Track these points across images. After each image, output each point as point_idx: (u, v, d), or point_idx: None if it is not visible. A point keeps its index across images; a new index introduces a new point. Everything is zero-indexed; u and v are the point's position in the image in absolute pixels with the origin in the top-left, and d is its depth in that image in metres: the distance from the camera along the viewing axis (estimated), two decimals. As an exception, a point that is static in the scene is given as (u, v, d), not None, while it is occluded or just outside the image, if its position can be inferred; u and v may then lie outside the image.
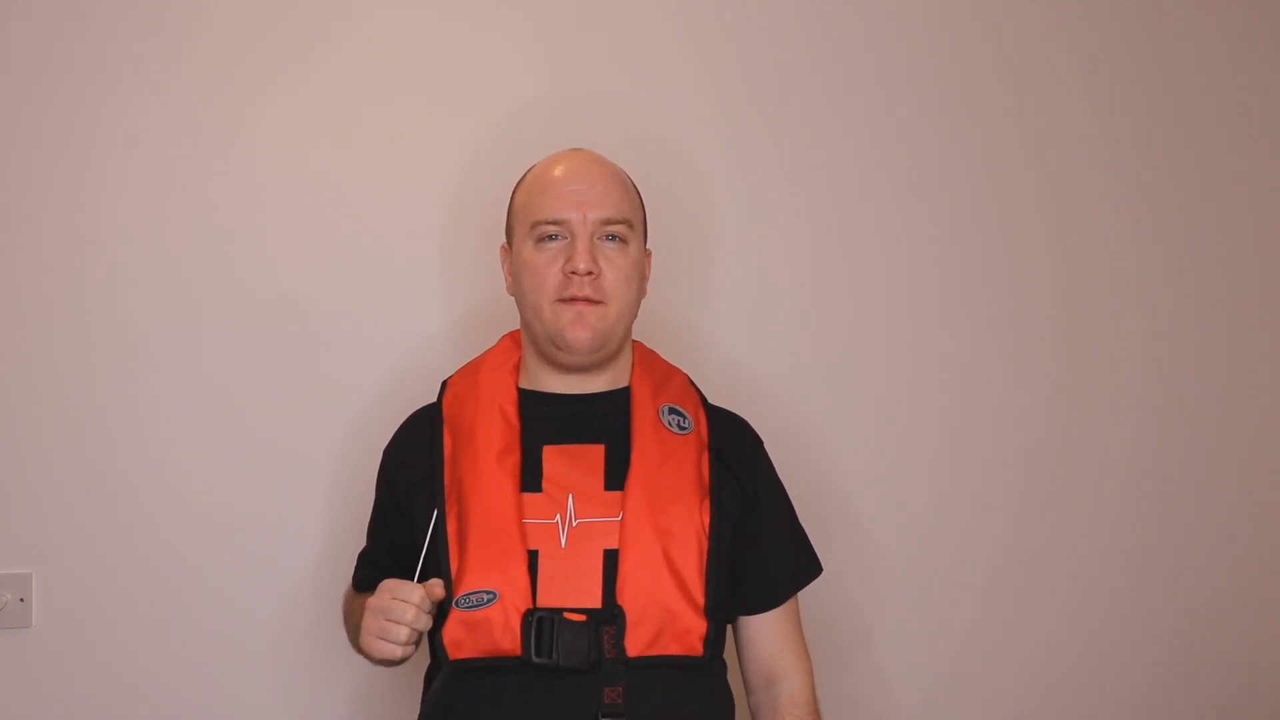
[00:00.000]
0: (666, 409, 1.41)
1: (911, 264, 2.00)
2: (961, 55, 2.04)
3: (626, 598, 1.28)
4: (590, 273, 1.34)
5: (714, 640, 1.32)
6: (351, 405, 1.75)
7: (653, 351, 1.50)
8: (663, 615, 1.28)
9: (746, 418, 1.50)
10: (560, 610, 1.27)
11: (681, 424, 1.40)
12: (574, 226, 1.36)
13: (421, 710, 1.39)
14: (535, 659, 1.26)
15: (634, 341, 1.47)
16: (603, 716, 1.26)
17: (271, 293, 1.75)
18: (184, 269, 1.73)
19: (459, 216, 1.81)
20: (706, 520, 1.33)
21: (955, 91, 2.03)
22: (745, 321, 1.92)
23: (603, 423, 1.38)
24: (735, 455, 1.41)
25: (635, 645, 1.28)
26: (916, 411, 1.99)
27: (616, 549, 1.29)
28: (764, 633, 1.42)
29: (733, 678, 1.44)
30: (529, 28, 1.86)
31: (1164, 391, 2.10)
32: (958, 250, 2.02)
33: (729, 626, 1.44)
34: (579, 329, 1.35)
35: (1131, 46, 2.12)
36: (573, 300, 1.35)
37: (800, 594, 1.45)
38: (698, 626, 1.29)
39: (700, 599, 1.29)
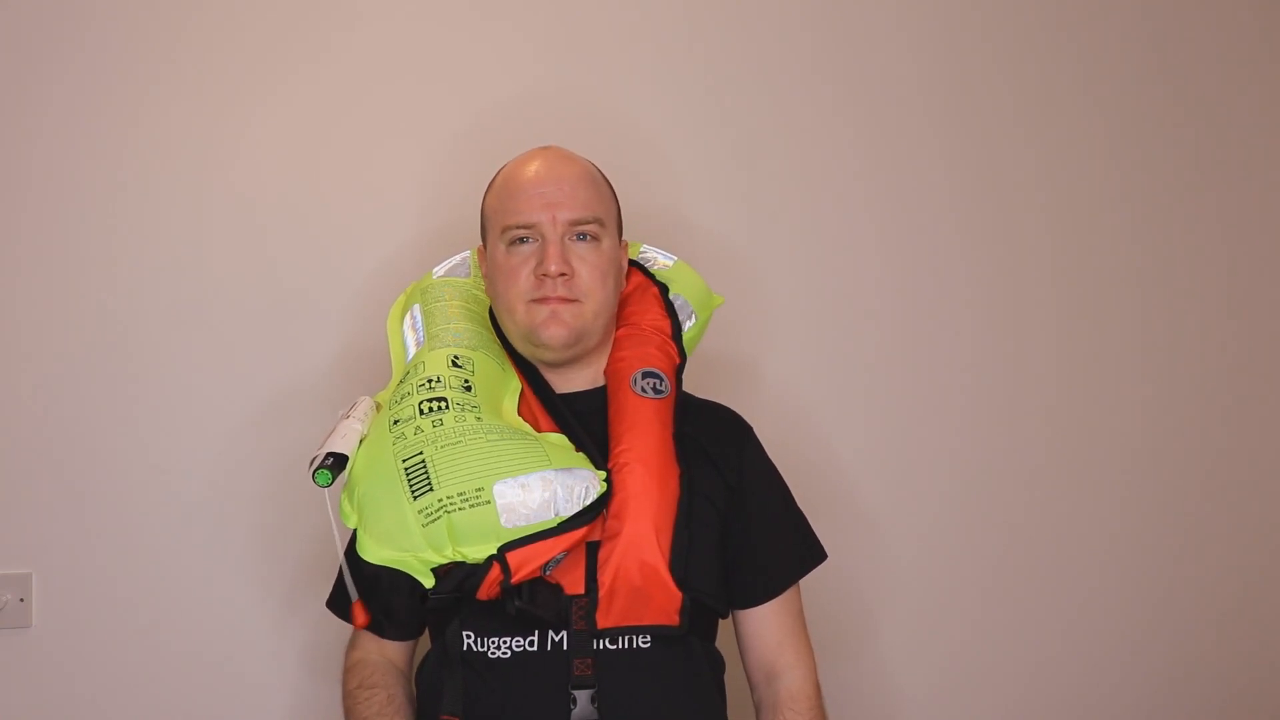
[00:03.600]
0: (641, 374, 1.40)
1: (916, 253, 2.00)
2: (964, 55, 2.05)
3: (603, 575, 1.28)
4: (563, 274, 1.35)
5: (691, 614, 1.31)
6: (347, 405, 1.74)
7: (637, 327, 1.49)
8: (635, 592, 1.28)
9: (751, 409, 1.50)
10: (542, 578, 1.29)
11: (658, 387, 1.40)
12: (544, 229, 1.37)
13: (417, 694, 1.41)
14: (515, 601, 1.26)
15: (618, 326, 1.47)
16: (573, 689, 1.27)
17: (270, 294, 1.76)
18: (180, 269, 1.73)
19: (448, 215, 1.81)
20: (677, 489, 1.33)
21: (958, 91, 2.04)
22: (749, 316, 1.92)
23: (579, 420, 1.38)
24: (717, 445, 1.41)
25: (607, 619, 1.28)
26: (922, 401, 1.99)
27: (598, 540, 1.30)
28: (762, 626, 1.41)
29: (736, 675, 1.44)
30: (527, 22, 1.88)
31: (1168, 376, 2.11)
32: (961, 237, 2.03)
33: (727, 624, 1.44)
34: (553, 326, 1.36)
35: (1136, 50, 2.13)
36: (546, 300, 1.36)
37: (803, 585, 1.44)
38: (673, 599, 1.29)
39: (675, 571, 1.29)
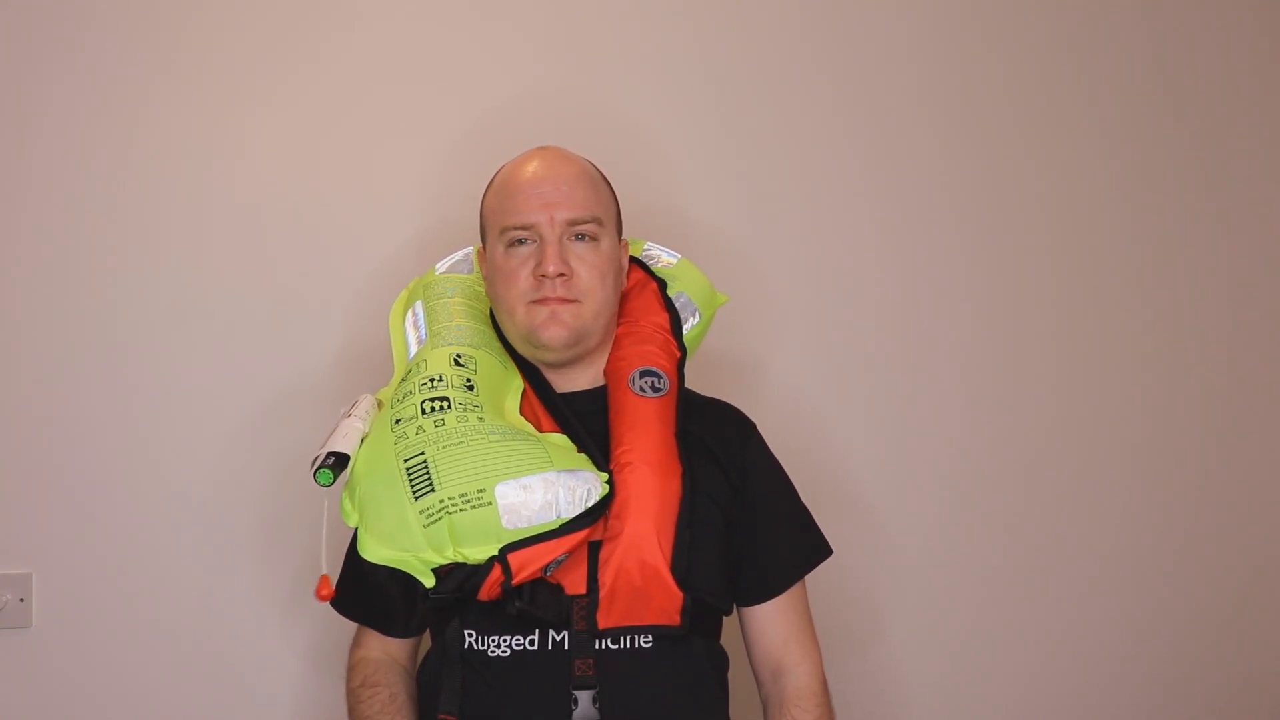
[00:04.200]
0: (639, 374, 1.40)
1: (917, 251, 2.01)
2: (965, 55, 2.05)
3: (603, 575, 1.28)
4: (562, 275, 1.35)
5: (693, 613, 1.30)
6: (349, 403, 1.74)
7: (636, 324, 1.48)
8: (635, 592, 1.27)
9: (754, 406, 1.50)
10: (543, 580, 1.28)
11: (656, 385, 1.39)
12: (542, 229, 1.36)
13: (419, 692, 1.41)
14: (516, 602, 1.26)
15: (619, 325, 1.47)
16: (574, 689, 1.27)
17: (270, 294, 1.76)
18: (180, 268, 1.73)
19: (448, 215, 1.81)
20: (678, 488, 1.32)
21: (958, 90, 2.05)
22: (751, 314, 1.92)
23: (580, 420, 1.38)
24: (721, 443, 1.40)
25: (608, 619, 1.28)
26: (925, 398, 1.99)
27: (599, 540, 1.30)
28: (768, 623, 1.41)
29: (743, 673, 1.44)
30: (527, 22, 1.88)
31: (1169, 375, 2.11)
32: (962, 235, 2.03)
33: (732, 620, 1.44)
34: (553, 327, 1.36)
35: (1136, 49, 2.13)
36: (545, 301, 1.35)
37: (810, 582, 1.44)
38: (674, 599, 1.28)
39: (676, 571, 1.28)
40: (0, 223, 1.68)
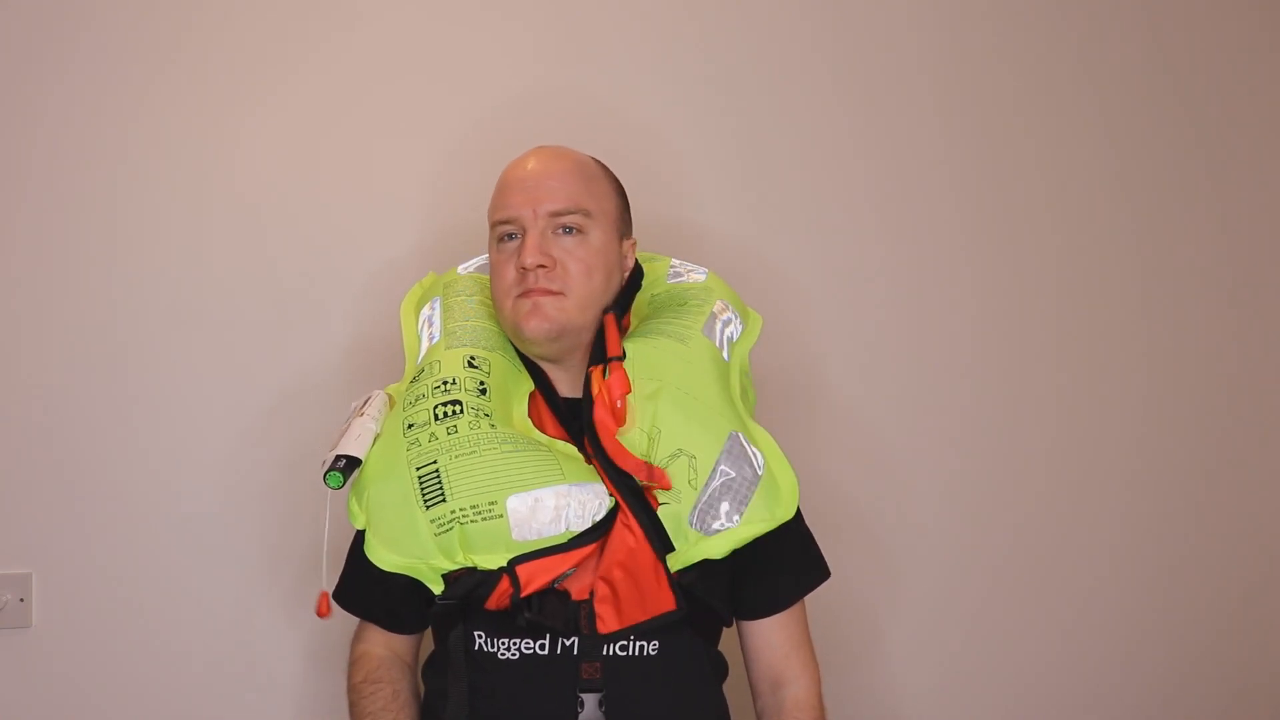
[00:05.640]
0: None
1: (918, 261, 2.00)
2: (968, 54, 2.04)
3: (596, 580, 1.28)
4: (543, 266, 1.34)
5: (693, 616, 1.30)
6: (361, 399, 1.74)
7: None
8: (624, 584, 1.27)
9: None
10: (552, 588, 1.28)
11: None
12: (525, 222, 1.36)
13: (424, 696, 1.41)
14: (525, 613, 1.26)
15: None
16: (581, 692, 1.27)
17: (271, 294, 1.76)
18: (180, 269, 1.73)
19: (450, 216, 1.81)
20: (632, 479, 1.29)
21: (961, 89, 2.04)
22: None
23: (575, 424, 1.37)
24: None
25: (608, 623, 1.27)
26: (923, 410, 1.99)
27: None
28: (769, 637, 1.41)
29: (739, 684, 1.44)
30: (530, 20, 1.87)
31: (1169, 379, 2.10)
32: (963, 244, 2.02)
33: (729, 633, 1.44)
34: (534, 319, 1.34)
35: (1138, 44, 2.12)
36: (528, 294, 1.35)
37: (808, 596, 1.44)
38: (662, 582, 1.27)
39: (658, 551, 1.27)
40: (4, 228, 1.68)
